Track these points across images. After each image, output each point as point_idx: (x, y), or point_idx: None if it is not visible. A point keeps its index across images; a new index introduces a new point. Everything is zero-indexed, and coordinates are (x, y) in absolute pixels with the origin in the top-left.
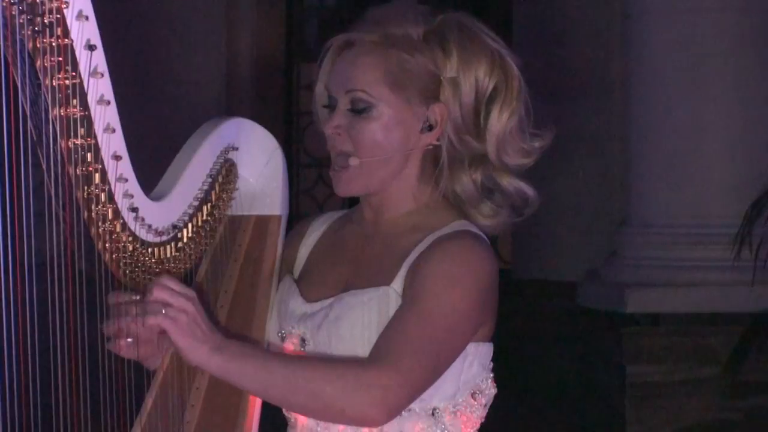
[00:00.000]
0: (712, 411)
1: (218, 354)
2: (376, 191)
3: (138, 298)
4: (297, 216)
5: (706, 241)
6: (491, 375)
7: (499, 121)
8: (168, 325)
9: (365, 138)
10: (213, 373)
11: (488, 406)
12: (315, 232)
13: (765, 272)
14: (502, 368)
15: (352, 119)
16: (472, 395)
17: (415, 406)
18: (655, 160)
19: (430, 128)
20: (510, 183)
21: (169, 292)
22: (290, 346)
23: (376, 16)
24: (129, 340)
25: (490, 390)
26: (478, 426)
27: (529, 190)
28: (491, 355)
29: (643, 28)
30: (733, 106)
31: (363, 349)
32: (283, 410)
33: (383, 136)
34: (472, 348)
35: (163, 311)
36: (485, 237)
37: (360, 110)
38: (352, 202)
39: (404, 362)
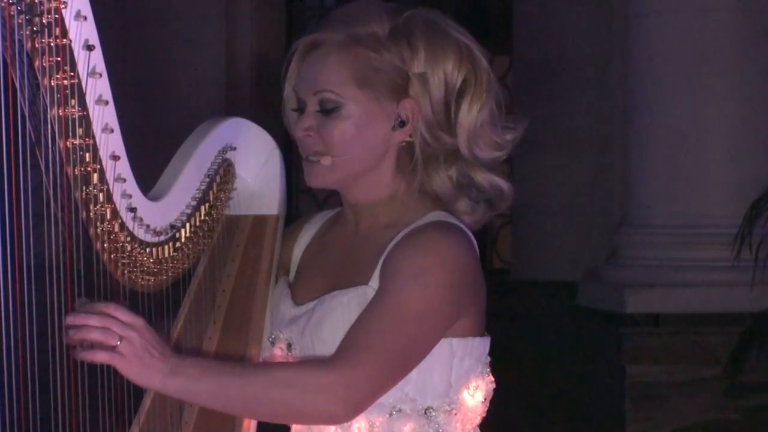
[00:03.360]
0: (712, 411)
1: (173, 379)
2: (348, 186)
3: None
4: (296, 216)
5: (706, 241)
6: (488, 369)
7: (469, 114)
8: (116, 361)
9: (335, 137)
10: (172, 396)
11: (488, 401)
12: (307, 234)
13: (765, 272)
14: (501, 369)
15: (321, 120)
16: (468, 391)
17: (405, 406)
18: (655, 160)
19: (402, 124)
20: (484, 178)
21: (116, 324)
22: (278, 351)
23: (340, 15)
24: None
25: (488, 384)
26: (477, 422)
27: (503, 183)
28: (487, 349)
29: (643, 28)
30: (733, 106)
31: None
32: None
33: (353, 134)
34: (460, 344)
35: (117, 343)
36: (464, 228)
37: (329, 110)
38: None
39: (365, 357)
